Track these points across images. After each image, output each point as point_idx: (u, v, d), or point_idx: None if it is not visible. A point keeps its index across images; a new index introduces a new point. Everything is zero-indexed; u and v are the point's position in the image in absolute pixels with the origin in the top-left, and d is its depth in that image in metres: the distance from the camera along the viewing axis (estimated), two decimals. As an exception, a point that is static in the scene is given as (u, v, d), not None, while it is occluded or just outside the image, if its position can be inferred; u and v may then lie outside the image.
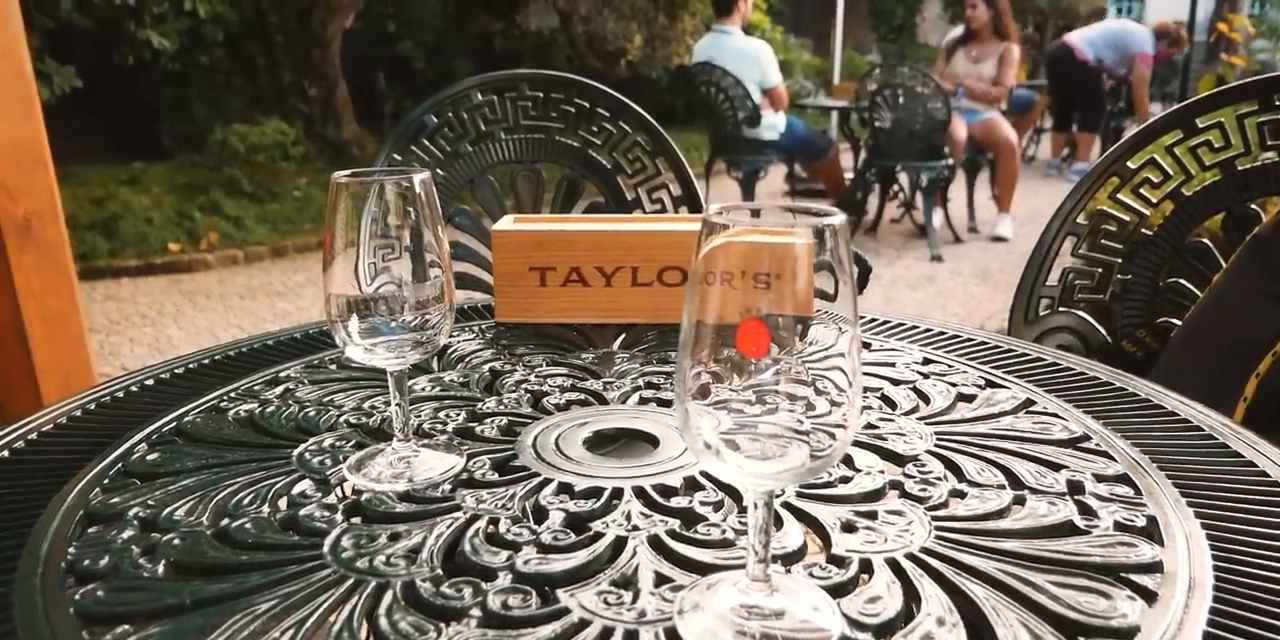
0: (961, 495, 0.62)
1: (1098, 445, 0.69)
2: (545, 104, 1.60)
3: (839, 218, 0.42)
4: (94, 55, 6.31)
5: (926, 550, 0.55)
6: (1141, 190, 1.19)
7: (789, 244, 0.42)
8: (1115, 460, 0.66)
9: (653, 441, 0.72)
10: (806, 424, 0.44)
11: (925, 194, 5.10)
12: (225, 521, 0.60)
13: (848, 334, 0.43)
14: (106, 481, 0.67)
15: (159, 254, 5.43)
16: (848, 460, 0.67)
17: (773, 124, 5.30)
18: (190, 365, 0.92)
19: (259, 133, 6.38)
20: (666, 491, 0.62)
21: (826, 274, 0.42)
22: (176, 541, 0.57)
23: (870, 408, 0.78)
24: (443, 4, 8.68)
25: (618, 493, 0.62)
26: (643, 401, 0.80)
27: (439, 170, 1.56)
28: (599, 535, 0.57)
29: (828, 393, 0.43)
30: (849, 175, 5.77)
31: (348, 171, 0.64)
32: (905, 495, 0.62)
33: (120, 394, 0.85)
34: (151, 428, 0.77)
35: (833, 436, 0.44)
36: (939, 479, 0.64)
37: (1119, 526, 0.57)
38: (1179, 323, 1.14)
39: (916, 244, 5.34)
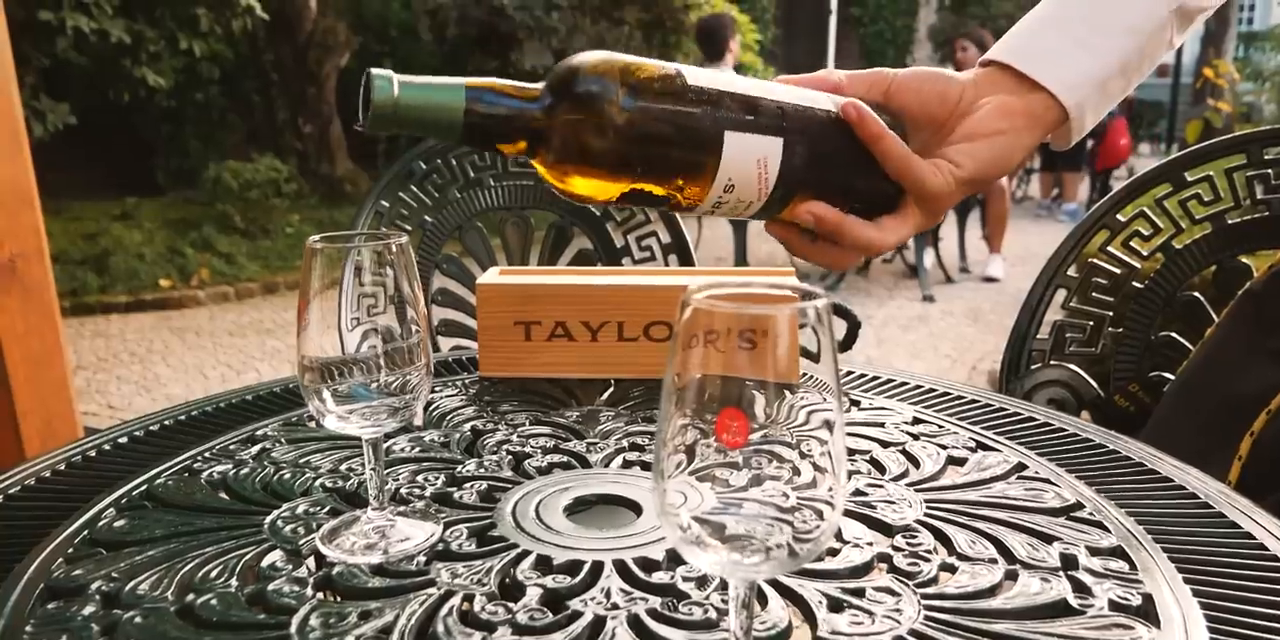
0: (952, 570, 0.60)
1: (1091, 515, 0.67)
2: (535, 150, 1.60)
3: (822, 301, 0.41)
4: (90, 92, 6.34)
5: (915, 633, 0.53)
6: (1132, 243, 1.19)
7: (770, 315, 0.41)
8: (1109, 531, 0.65)
9: (635, 508, 0.70)
10: (792, 499, 0.42)
11: (916, 235, 5.12)
12: (190, 597, 0.58)
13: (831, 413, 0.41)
14: (71, 550, 0.65)
15: (150, 290, 5.42)
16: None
17: (764, 164, 5.33)
18: (166, 422, 0.90)
19: (253, 169, 6.41)
20: (648, 565, 0.60)
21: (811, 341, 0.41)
22: (138, 619, 0.55)
23: (859, 472, 0.77)
24: (438, 43, 8.77)
25: (598, 567, 0.60)
26: (626, 465, 0.78)
27: (427, 217, 1.55)
28: (577, 614, 0.55)
29: (816, 466, 0.42)
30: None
31: (321, 236, 0.63)
32: (894, 570, 0.60)
33: (93, 453, 0.83)
34: (122, 491, 0.74)
35: (820, 515, 0.42)
36: (929, 552, 0.62)
37: (1114, 606, 0.55)
38: (1172, 377, 1.13)
39: (908, 284, 5.35)
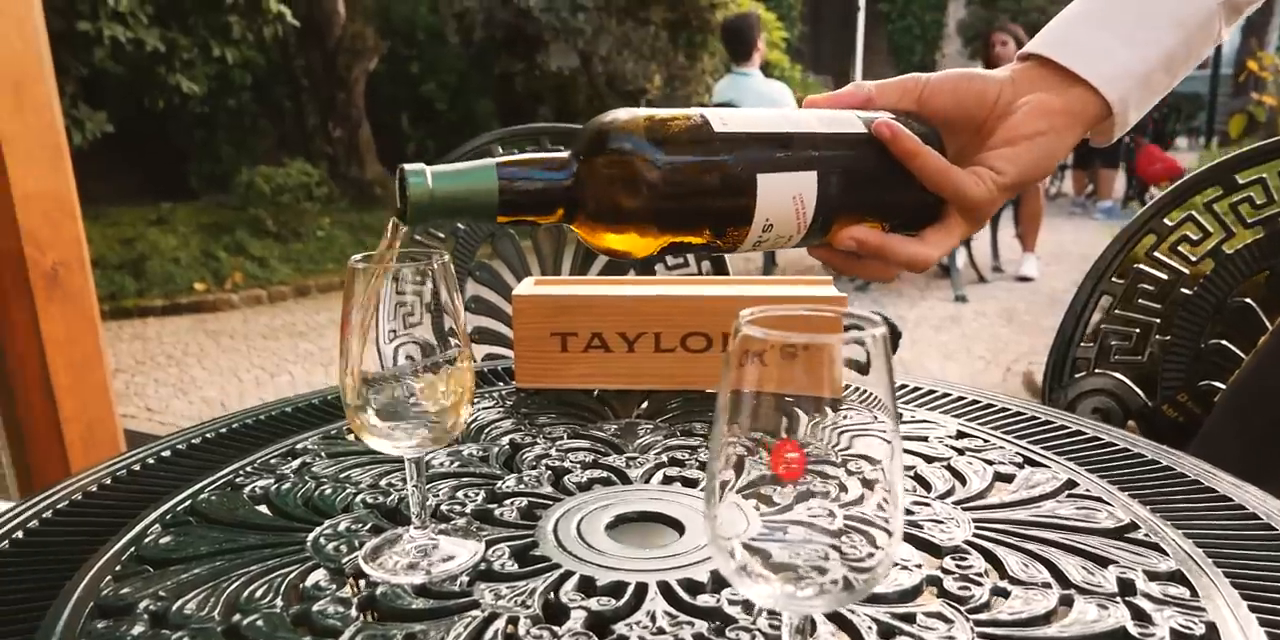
0: (1005, 594, 0.59)
1: (1147, 536, 0.66)
2: (568, 157, 1.59)
3: (880, 329, 0.40)
4: (125, 100, 6.43)
5: (971, 661, 0.52)
6: (1180, 248, 1.16)
7: (827, 344, 0.40)
8: (1167, 554, 0.63)
9: (677, 527, 0.69)
10: (840, 521, 0.41)
11: (949, 234, 5.06)
12: (236, 617, 0.57)
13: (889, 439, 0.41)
14: (119, 568, 0.65)
15: (185, 293, 5.49)
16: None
17: (794, 164, 5.30)
18: (207, 435, 0.91)
19: (284, 174, 6.47)
20: (693, 587, 0.60)
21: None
22: (185, 642, 0.55)
23: (905, 489, 0.75)
24: (465, 46, 8.82)
25: (642, 588, 0.60)
26: (666, 480, 0.77)
27: (459, 224, 1.55)
28: (622, 639, 0.54)
29: (869, 486, 0.41)
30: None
31: (363, 254, 0.63)
32: (945, 594, 0.59)
33: (137, 466, 0.83)
34: (166, 507, 0.75)
35: (873, 543, 0.41)
36: (980, 575, 0.61)
37: (1176, 635, 0.54)
38: (1223, 386, 1.10)
39: (940, 284, 5.30)
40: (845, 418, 0.42)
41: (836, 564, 0.42)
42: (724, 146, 0.61)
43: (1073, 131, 0.67)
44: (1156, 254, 1.17)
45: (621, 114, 0.62)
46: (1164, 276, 1.17)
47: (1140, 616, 0.56)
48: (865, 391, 0.41)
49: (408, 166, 0.59)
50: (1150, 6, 0.68)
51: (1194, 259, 1.16)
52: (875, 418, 0.42)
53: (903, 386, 1.00)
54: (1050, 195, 8.30)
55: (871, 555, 0.42)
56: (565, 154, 0.62)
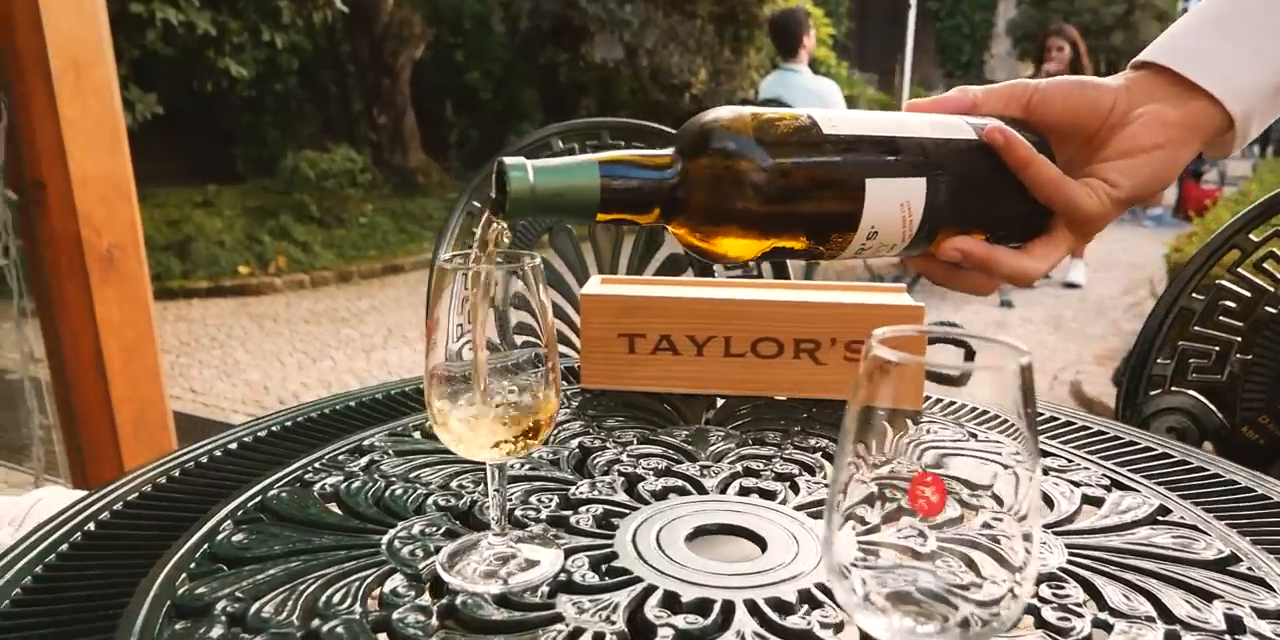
0: (1108, 628, 0.56)
1: (1250, 570, 0.63)
2: (627, 153, 1.57)
3: (1026, 359, 0.38)
4: (175, 82, 6.50)
5: (1080, 700, 0.49)
6: (1265, 265, 1.12)
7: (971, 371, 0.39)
8: (1274, 590, 0.60)
9: (758, 541, 0.67)
10: (967, 556, 0.40)
11: (995, 237, 4.99)
12: (316, 623, 0.57)
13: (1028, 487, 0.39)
14: (193, 566, 0.64)
15: (229, 276, 5.54)
16: (975, 571, 0.62)
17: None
18: (273, 428, 0.90)
19: (328, 159, 6.51)
20: (781, 607, 0.58)
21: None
22: (266, 646, 0.54)
23: (983, 507, 0.73)
24: (510, 36, 8.82)
25: (729, 606, 0.58)
26: (743, 492, 0.75)
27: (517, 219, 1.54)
28: (714, 662, 0.52)
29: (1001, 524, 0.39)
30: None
31: (452, 254, 0.62)
32: (1044, 625, 0.57)
33: (204, 459, 0.83)
34: (236, 502, 0.74)
35: (1006, 584, 0.40)
36: (1079, 605, 0.59)
37: (1295, 679, 0.51)
38: (1306, 409, 1.07)
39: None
40: (976, 444, 0.41)
41: (962, 601, 0.40)
42: (833, 149, 0.59)
43: (1191, 145, 0.64)
44: (1240, 270, 1.14)
45: (725, 112, 0.60)
46: (1247, 294, 1.13)
47: (1254, 658, 0.53)
48: (1006, 421, 0.39)
49: (508, 160, 0.57)
50: (1278, 15, 0.64)
51: (1279, 277, 1.12)
52: (1013, 450, 0.40)
53: (973, 408, 0.98)
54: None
55: (1000, 593, 0.40)
56: (667, 152, 0.60)
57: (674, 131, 1.58)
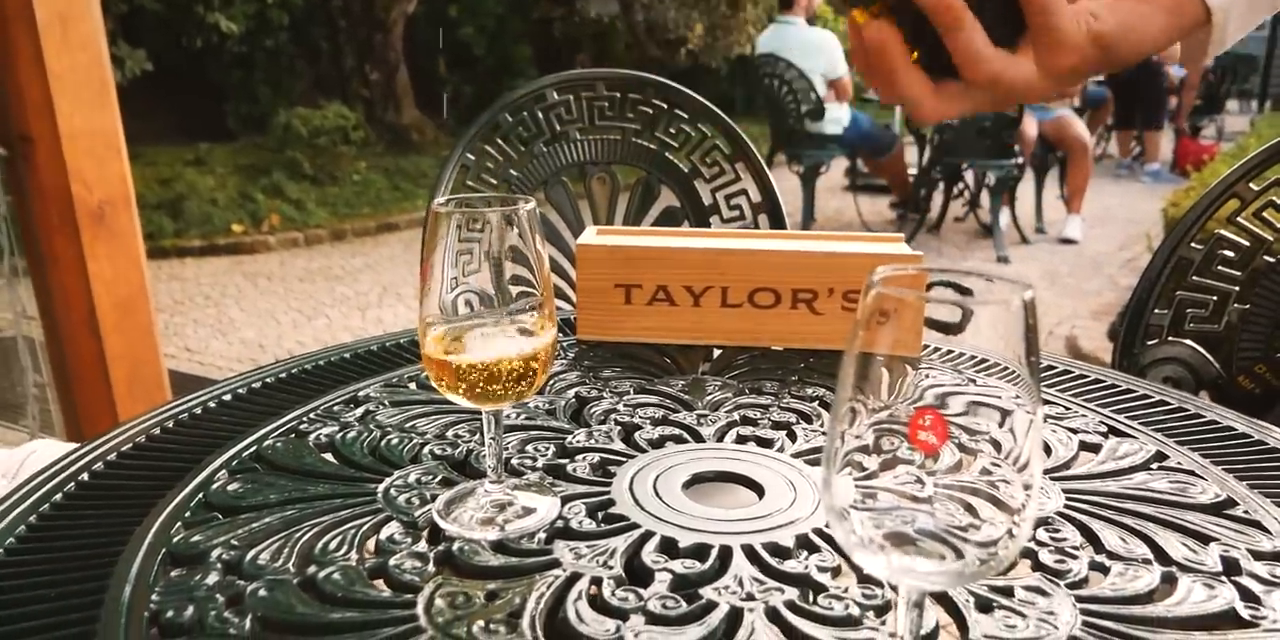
0: (1104, 570, 0.56)
1: (1246, 513, 0.63)
2: (622, 104, 1.55)
3: (1029, 293, 0.37)
4: (164, 38, 6.39)
5: (1076, 640, 0.50)
6: (1265, 214, 1.11)
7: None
8: (1270, 532, 0.60)
9: (755, 488, 0.67)
10: (965, 495, 0.40)
11: (992, 193, 4.96)
12: (312, 569, 0.56)
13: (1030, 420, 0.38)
14: (188, 515, 0.64)
15: (222, 235, 5.50)
16: (973, 514, 0.62)
17: (837, 118, 5.20)
18: (267, 379, 0.90)
19: (320, 116, 6.43)
20: (779, 552, 0.58)
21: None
22: (263, 592, 0.54)
23: (981, 451, 0.73)
24: (505, -11, 8.67)
25: (726, 551, 0.58)
26: (740, 440, 0.75)
27: (512, 170, 1.52)
28: (712, 605, 0.52)
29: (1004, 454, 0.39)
30: (912, 172, 5.65)
31: (446, 198, 0.60)
32: (1040, 567, 0.57)
33: (198, 410, 0.83)
34: (231, 453, 0.74)
35: (1013, 512, 0.40)
36: (1075, 548, 0.59)
37: (1290, 619, 0.51)
38: (1303, 358, 1.06)
39: (981, 244, 5.21)
40: (976, 388, 0.40)
41: (960, 542, 0.40)
42: None
43: (1169, 17, 0.59)
44: (1240, 219, 1.13)
45: None
46: (1246, 243, 1.13)
47: (1249, 598, 0.53)
48: (1007, 368, 0.38)
49: None
50: None
51: (1279, 226, 1.11)
52: (1013, 391, 0.39)
53: (971, 356, 0.97)
54: (1096, 156, 8.11)
55: (998, 534, 0.40)
56: None
57: (667, 83, 1.56)
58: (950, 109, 0.61)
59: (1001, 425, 0.40)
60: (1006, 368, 0.41)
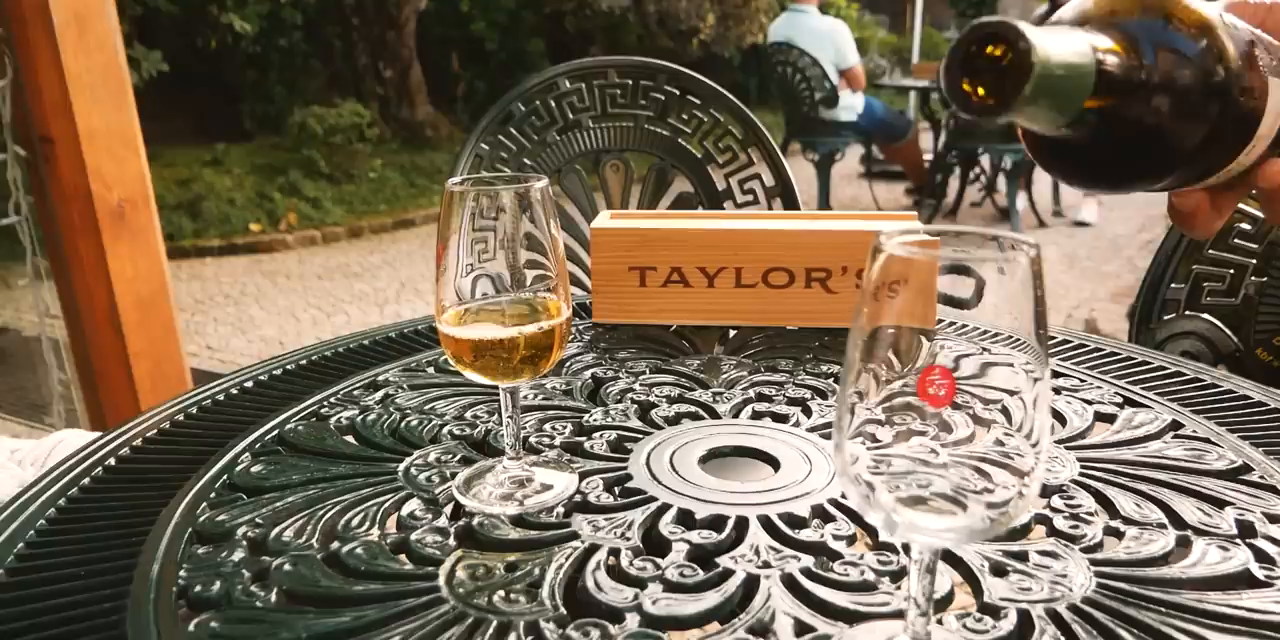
0: (1118, 534, 0.57)
1: (1262, 478, 0.63)
2: (634, 91, 1.56)
3: (1035, 249, 0.38)
4: (178, 40, 6.44)
5: (1090, 601, 0.50)
6: (1281, 186, 1.10)
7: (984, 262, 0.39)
8: (1286, 496, 0.61)
9: (771, 462, 0.68)
10: (974, 455, 0.40)
11: (1009, 177, 4.93)
12: (335, 545, 0.58)
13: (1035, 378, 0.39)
14: (213, 496, 0.65)
15: (241, 234, 5.54)
16: (986, 479, 0.62)
17: (851, 105, 5.18)
18: (288, 366, 0.91)
19: (335, 114, 6.46)
20: (794, 522, 0.59)
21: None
22: (287, 567, 0.55)
23: (995, 422, 0.73)
24: (515, -16, 8.66)
25: (742, 522, 0.59)
26: (756, 416, 0.76)
27: (526, 159, 1.53)
28: (728, 573, 0.53)
29: (1011, 421, 0.39)
30: (928, 157, 5.62)
31: (461, 178, 0.61)
32: (1055, 533, 0.57)
33: (221, 396, 0.84)
34: (254, 436, 0.75)
35: (1020, 476, 0.40)
36: (1090, 514, 0.59)
37: (1305, 578, 0.51)
38: (1322, 330, 1.06)
39: (998, 229, 5.18)
40: (984, 349, 0.41)
41: (969, 498, 0.40)
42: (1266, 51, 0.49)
43: None
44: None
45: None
46: (1262, 215, 1.12)
47: (1264, 559, 0.54)
48: (1017, 338, 0.39)
49: (992, 19, 0.44)
50: None
51: (1298, 196, 1.10)
52: (1024, 360, 0.39)
53: (987, 331, 0.97)
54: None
55: (1009, 496, 0.40)
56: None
57: (679, 69, 1.56)
58: (1228, 214, 0.60)
59: (1013, 395, 0.41)
60: (1016, 337, 0.41)
